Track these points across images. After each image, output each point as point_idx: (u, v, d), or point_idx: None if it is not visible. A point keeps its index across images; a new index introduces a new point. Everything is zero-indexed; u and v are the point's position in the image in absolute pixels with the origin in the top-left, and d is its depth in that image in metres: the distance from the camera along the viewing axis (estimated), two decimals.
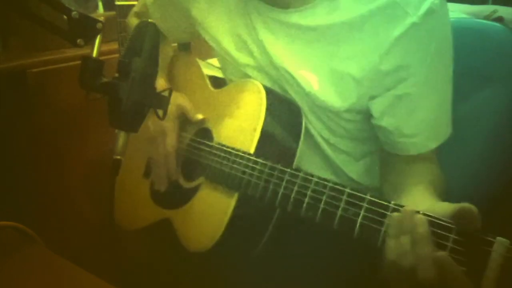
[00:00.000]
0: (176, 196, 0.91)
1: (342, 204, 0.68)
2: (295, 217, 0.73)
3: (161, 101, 0.76)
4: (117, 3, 1.28)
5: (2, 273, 0.70)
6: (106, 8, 1.66)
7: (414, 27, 0.73)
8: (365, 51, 0.76)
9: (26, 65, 1.38)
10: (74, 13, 0.75)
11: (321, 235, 0.73)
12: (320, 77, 0.81)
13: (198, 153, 0.90)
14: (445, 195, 0.72)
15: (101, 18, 0.78)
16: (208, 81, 1.00)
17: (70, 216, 1.49)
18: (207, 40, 0.95)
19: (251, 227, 0.80)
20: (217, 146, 0.86)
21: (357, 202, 0.67)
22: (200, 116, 0.93)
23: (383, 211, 0.64)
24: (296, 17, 0.81)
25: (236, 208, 0.79)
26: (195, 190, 0.88)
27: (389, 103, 0.78)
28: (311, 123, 0.86)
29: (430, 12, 0.73)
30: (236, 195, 0.80)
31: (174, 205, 0.91)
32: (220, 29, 0.91)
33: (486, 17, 1.56)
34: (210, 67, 1.05)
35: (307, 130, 0.85)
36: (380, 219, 0.64)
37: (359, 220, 0.66)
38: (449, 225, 0.58)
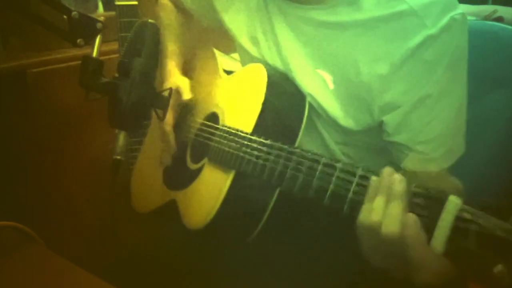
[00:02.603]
0: (183, 178, 0.93)
1: (317, 173, 0.67)
2: (291, 200, 0.72)
3: (161, 101, 0.76)
4: (117, 3, 1.28)
5: (2, 273, 0.70)
6: (106, 8, 1.66)
7: (430, 40, 0.72)
8: (378, 57, 0.75)
9: (26, 65, 1.38)
10: (74, 13, 0.75)
11: (321, 221, 0.72)
12: (332, 77, 0.80)
13: (204, 135, 0.92)
14: None
15: (101, 18, 0.78)
16: (221, 69, 1.02)
17: (70, 216, 1.49)
18: (227, 31, 0.97)
19: (248, 207, 0.80)
20: (220, 127, 0.88)
21: (330, 170, 0.66)
22: (188, 96, 0.94)
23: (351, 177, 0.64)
24: (314, 13, 0.81)
25: (233, 185, 0.79)
26: (199, 171, 0.90)
27: (402, 118, 0.76)
28: (323, 126, 0.85)
29: (449, 25, 0.72)
30: (232, 173, 0.80)
31: (180, 186, 0.93)
32: (237, 22, 0.93)
33: (486, 17, 1.56)
34: (234, 61, 1.07)
35: (319, 133, 0.85)
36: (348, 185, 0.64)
37: (330, 187, 0.65)
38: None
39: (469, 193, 0.79)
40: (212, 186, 0.84)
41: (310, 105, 0.83)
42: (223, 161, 0.83)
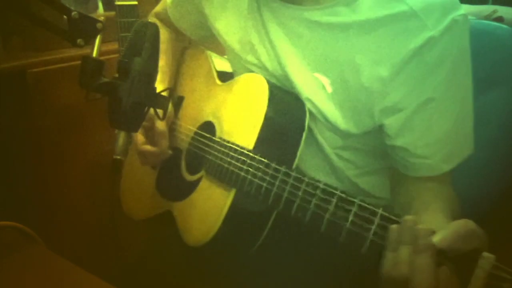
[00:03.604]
0: (179, 189, 0.92)
1: (331, 208, 0.66)
2: (288, 218, 0.72)
3: (161, 101, 0.76)
4: (117, 3, 1.28)
5: (2, 273, 0.70)
6: (106, 8, 1.66)
7: (431, 41, 0.71)
8: (378, 58, 0.74)
9: (26, 65, 1.38)
10: (74, 13, 0.75)
11: (321, 237, 0.72)
12: (330, 80, 0.79)
13: (201, 146, 0.90)
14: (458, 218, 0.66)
15: (101, 18, 0.78)
16: (215, 75, 1.00)
17: (70, 216, 1.49)
18: (216, 37, 0.96)
19: (248, 225, 0.80)
20: (218, 140, 0.86)
21: (347, 207, 0.65)
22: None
23: (371, 217, 0.63)
24: (309, 14, 0.80)
25: (233, 204, 0.79)
26: (196, 183, 0.89)
27: (404, 121, 0.75)
28: (319, 132, 0.84)
29: (450, 27, 0.71)
30: (233, 192, 0.79)
31: (177, 197, 0.92)
32: (229, 27, 0.91)
33: (486, 17, 1.55)
34: (227, 62, 1.05)
35: (315, 140, 0.84)
36: (368, 225, 0.63)
37: (347, 225, 0.64)
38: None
39: (466, 193, 0.79)
40: (211, 203, 0.83)
41: (309, 112, 0.81)
42: (223, 178, 0.81)
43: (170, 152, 0.95)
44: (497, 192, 0.96)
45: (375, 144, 0.83)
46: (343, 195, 0.66)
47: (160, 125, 0.94)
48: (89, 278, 0.68)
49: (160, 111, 0.77)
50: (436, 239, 0.55)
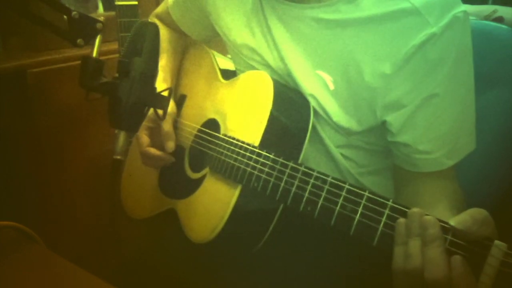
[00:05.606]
0: (183, 186, 0.92)
1: (340, 200, 0.66)
2: (296, 213, 0.71)
3: (161, 101, 0.76)
4: (117, 3, 1.28)
5: (2, 273, 0.70)
6: (106, 8, 1.66)
7: (433, 38, 0.71)
8: (380, 55, 0.74)
9: (26, 65, 1.38)
10: (74, 13, 0.75)
11: (325, 234, 0.72)
12: (332, 78, 0.79)
13: (205, 144, 0.90)
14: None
15: (101, 18, 0.78)
16: (218, 72, 1.00)
17: (70, 216, 1.49)
18: (220, 34, 0.96)
19: (254, 222, 0.79)
20: (222, 137, 0.86)
21: (355, 199, 0.65)
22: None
23: (381, 209, 0.63)
24: (311, 12, 0.80)
25: (239, 201, 0.78)
26: (200, 181, 0.88)
27: (407, 117, 0.76)
28: (322, 129, 0.84)
29: (451, 23, 0.71)
30: (239, 188, 0.79)
31: (180, 195, 0.92)
32: (233, 25, 0.92)
33: (486, 17, 1.56)
34: (229, 61, 1.05)
35: (319, 137, 0.84)
36: (378, 217, 0.63)
37: (357, 217, 0.64)
38: (446, 225, 0.57)
39: (466, 192, 0.79)
40: (217, 200, 0.82)
41: (313, 109, 0.82)
42: (228, 174, 0.81)
43: (173, 159, 0.95)
44: (497, 192, 0.96)
45: (378, 142, 0.83)
46: (352, 187, 0.66)
47: (166, 126, 0.94)
48: (89, 278, 0.68)
49: (160, 111, 0.77)
50: (453, 222, 0.56)
